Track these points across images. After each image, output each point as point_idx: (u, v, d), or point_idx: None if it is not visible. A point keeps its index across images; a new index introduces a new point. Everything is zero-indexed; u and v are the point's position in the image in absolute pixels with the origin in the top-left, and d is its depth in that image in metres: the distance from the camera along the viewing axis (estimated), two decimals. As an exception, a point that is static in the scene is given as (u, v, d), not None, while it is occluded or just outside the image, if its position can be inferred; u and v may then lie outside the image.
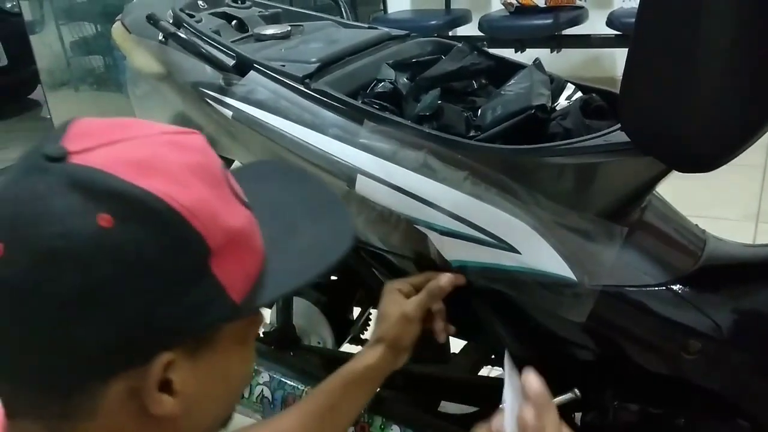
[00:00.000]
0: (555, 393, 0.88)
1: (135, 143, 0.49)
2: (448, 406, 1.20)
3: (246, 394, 1.12)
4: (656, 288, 0.84)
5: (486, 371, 1.19)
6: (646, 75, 0.74)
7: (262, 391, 1.11)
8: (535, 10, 3.52)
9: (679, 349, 0.83)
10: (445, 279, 0.84)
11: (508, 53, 3.47)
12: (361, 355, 0.85)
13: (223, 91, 0.96)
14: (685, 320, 0.83)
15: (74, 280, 0.44)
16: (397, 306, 0.85)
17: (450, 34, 3.89)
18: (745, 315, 0.84)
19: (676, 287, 0.84)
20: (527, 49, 3.54)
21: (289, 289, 0.58)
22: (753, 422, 0.84)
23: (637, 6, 0.72)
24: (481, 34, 3.65)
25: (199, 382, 0.51)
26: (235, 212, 0.52)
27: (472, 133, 0.89)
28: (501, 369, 1.09)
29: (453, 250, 0.86)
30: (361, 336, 1.40)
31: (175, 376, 0.49)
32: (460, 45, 1.02)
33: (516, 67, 1.01)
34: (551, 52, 3.61)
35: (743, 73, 0.73)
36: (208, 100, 0.97)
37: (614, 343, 0.87)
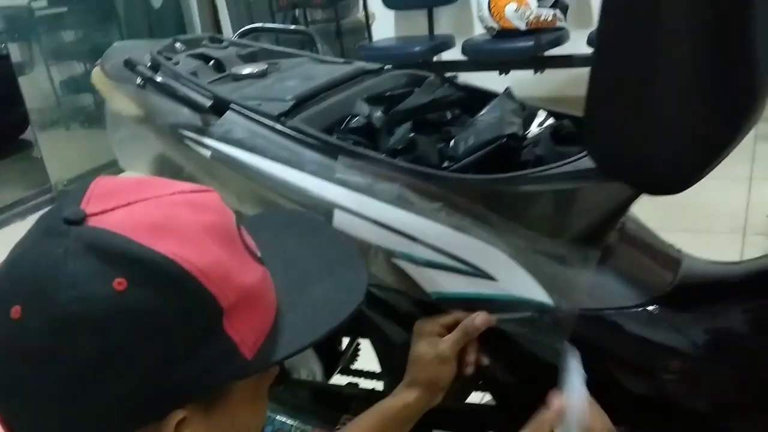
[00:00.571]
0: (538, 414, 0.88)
1: (151, 204, 0.50)
2: (439, 434, 1.20)
3: (236, 431, 1.11)
4: (633, 309, 0.85)
5: (475, 398, 1.19)
6: (607, 101, 0.76)
7: (251, 427, 1.10)
8: (517, 33, 3.57)
9: (659, 369, 0.84)
10: (480, 318, 0.83)
11: (492, 76, 3.52)
12: (399, 394, 0.85)
13: (201, 131, 0.97)
14: (663, 340, 0.84)
15: (90, 344, 0.45)
16: (431, 347, 0.83)
17: (435, 59, 3.95)
18: (722, 333, 0.85)
19: (652, 308, 0.85)
20: (511, 71, 3.58)
21: (301, 347, 0.55)
22: (736, 439, 0.85)
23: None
24: (465, 58, 3.70)
25: None
26: (249, 269, 0.53)
27: (445, 164, 0.90)
28: (489, 395, 1.10)
29: (431, 281, 0.87)
30: (351, 367, 1.40)
31: (188, 431, 0.50)
32: (431, 78, 1.04)
33: (488, 96, 1.02)
34: (535, 73, 3.65)
35: (705, 95, 0.75)
36: (187, 142, 0.99)
37: (595, 366, 0.88)
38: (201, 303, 0.48)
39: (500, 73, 3.57)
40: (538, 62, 3.62)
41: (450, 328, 0.85)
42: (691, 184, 0.80)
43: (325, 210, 0.89)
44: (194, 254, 0.48)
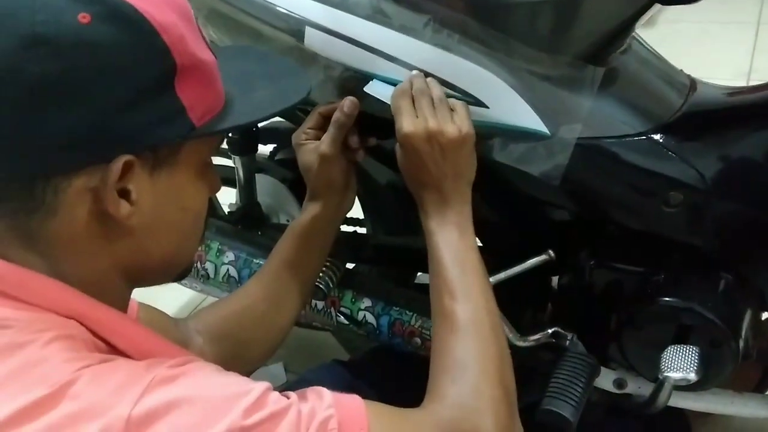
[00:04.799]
0: (528, 255, 0.84)
1: None
2: (423, 277, 1.17)
3: (212, 275, 1.07)
4: (635, 138, 0.77)
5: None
6: None
7: (227, 270, 1.06)
8: None
9: (659, 202, 0.78)
10: (346, 105, 0.78)
11: None
12: (306, 209, 0.84)
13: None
14: (666, 171, 0.77)
15: (51, 66, 0.48)
16: (311, 153, 0.81)
17: None
18: (730, 162, 0.78)
19: (657, 136, 0.77)
20: None
21: (245, 122, 0.59)
22: (735, 274, 0.81)
23: None
24: None
25: (156, 201, 0.55)
26: (202, 48, 0.56)
27: (432, -27, 0.79)
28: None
29: (414, 107, 0.79)
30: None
31: (133, 186, 0.53)
32: None
33: None
34: None
35: None
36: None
37: (590, 200, 0.82)
38: (156, 52, 0.52)
39: None
40: None
41: (322, 126, 0.81)
42: (712, -7, 0.70)
43: (295, 28, 0.79)
44: (155, 11, 0.52)
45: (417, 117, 0.72)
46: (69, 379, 0.47)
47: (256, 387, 0.50)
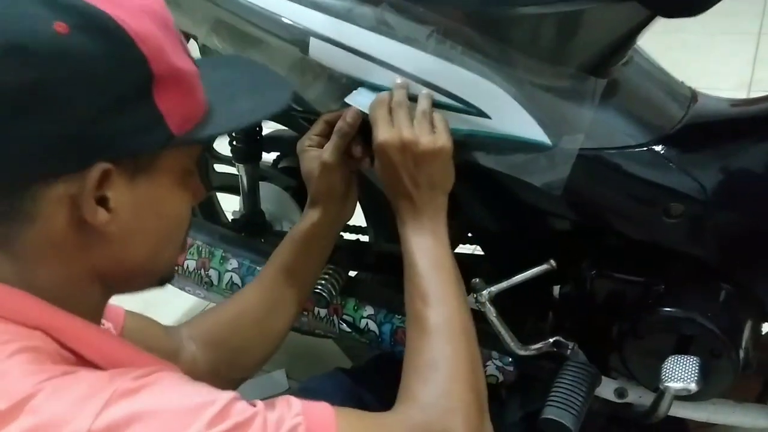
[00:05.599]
0: (530, 264, 0.84)
1: None
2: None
3: (216, 282, 1.08)
4: (637, 149, 0.78)
5: (461, 249, 1.16)
6: None
7: (231, 278, 1.07)
8: None
9: (660, 213, 0.78)
10: (349, 115, 0.79)
11: None
12: (305, 215, 0.85)
13: (158, -49, 0.86)
14: (667, 182, 0.78)
15: (27, 75, 0.49)
16: (314, 160, 0.81)
17: None
18: (731, 174, 0.78)
19: (658, 147, 0.78)
20: None
21: (221, 131, 0.61)
22: (736, 284, 0.81)
23: None
24: None
25: (134, 208, 0.55)
26: (182, 57, 0.56)
27: (435, -14, 0.80)
28: (476, 245, 1.05)
29: (417, 117, 0.79)
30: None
31: (112, 194, 0.53)
32: None
33: None
34: None
35: None
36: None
37: (591, 211, 0.82)
38: (133, 61, 0.52)
39: None
40: None
41: (325, 135, 0.82)
42: (710, 5, 0.71)
43: (299, 39, 0.80)
44: (131, 20, 0.52)
45: (393, 127, 0.73)
46: (29, 393, 0.46)
47: (221, 397, 0.50)
